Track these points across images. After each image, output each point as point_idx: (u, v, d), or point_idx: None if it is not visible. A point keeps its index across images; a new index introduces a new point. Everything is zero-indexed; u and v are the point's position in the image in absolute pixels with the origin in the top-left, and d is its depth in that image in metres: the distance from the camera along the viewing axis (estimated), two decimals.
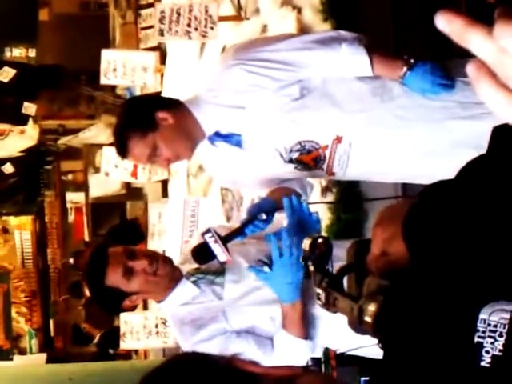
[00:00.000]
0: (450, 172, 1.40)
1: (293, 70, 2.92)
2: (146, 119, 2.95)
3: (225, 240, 2.80)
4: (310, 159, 2.99)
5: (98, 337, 10.10)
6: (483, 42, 0.75)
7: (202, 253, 2.82)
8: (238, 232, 2.88)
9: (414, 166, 2.98)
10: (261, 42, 3.14)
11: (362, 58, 2.89)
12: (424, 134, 2.92)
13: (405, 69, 2.87)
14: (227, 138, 3.01)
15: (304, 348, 2.89)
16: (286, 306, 2.85)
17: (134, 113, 3.02)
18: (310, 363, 3.19)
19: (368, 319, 1.39)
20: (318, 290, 1.65)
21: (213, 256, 2.78)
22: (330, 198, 4.83)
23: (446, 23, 0.77)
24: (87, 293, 9.98)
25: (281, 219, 3.11)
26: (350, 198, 4.63)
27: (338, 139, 2.94)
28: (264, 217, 2.87)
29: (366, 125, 2.93)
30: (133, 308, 3.33)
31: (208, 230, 2.80)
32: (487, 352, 1.12)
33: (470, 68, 0.77)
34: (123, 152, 3.01)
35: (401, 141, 2.94)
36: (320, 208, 4.48)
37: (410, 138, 2.93)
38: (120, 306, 2.98)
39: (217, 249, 2.76)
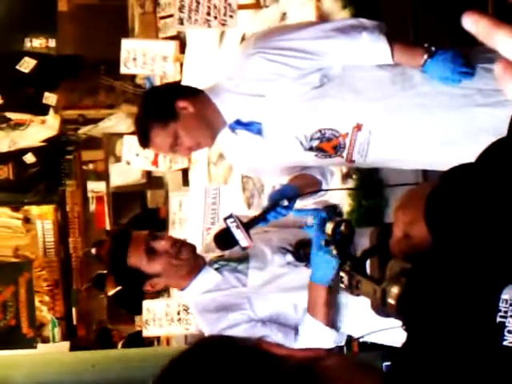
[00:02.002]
0: (470, 159, 1.41)
1: (313, 58, 2.92)
2: (167, 109, 2.96)
3: (247, 226, 2.81)
4: (330, 147, 2.99)
5: (121, 343, 10.14)
6: (510, 42, 0.77)
7: (224, 238, 2.84)
8: (260, 218, 2.89)
9: (434, 154, 2.98)
10: (281, 31, 3.14)
11: (383, 46, 2.89)
12: (444, 121, 2.92)
13: (425, 57, 2.87)
14: (248, 126, 3.02)
15: (328, 335, 2.89)
16: (314, 284, 2.85)
17: (154, 103, 3.03)
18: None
19: (391, 301, 1.40)
20: (341, 273, 1.67)
21: (235, 241, 2.79)
22: (351, 184, 4.84)
23: (473, 24, 0.78)
24: (109, 289, 10.04)
25: (303, 206, 3.13)
26: (371, 184, 4.64)
27: (358, 127, 2.94)
28: (286, 203, 2.88)
29: (386, 112, 2.93)
30: (155, 294, 3.34)
31: (230, 216, 2.81)
32: (509, 332, 1.14)
33: (497, 67, 0.79)
34: (145, 143, 3.03)
35: (421, 128, 2.94)
36: (341, 194, 4.50)
37: (431, 126, 2.93)
38: (141, 288, 2.98)
39: (238, 234, 2.78)
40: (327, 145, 2.98)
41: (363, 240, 2.72)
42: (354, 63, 2.95)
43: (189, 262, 2.97)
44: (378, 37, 2.89)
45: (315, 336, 2.88)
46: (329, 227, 2.07)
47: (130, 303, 8.90)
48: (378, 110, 2.93)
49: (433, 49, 2.87)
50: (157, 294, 6.93)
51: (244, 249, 2.86)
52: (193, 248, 3.03)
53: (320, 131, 2.96)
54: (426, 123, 2.92)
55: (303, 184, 3.07)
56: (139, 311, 6.48)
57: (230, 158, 3.42)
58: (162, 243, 2.95)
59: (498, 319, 1.15)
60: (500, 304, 1.15)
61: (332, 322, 2.90)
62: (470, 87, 2.88)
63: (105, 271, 10.12)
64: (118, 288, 9.69)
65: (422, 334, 1.23)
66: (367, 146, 2.96)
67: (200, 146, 3.03)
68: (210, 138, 3.01)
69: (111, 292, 9.96)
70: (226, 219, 2.80)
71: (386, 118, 2.93)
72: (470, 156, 1.40)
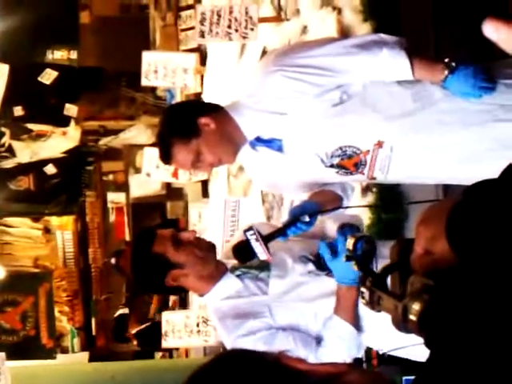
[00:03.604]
0: (492, 175, 1.41)
1: (333, 75, 2.93)
2: (189, 125, 2.98)
3: (266, 239, 2.82)
4: (351, 164, 3.00)
5: (135, 342, 10.17)
6: None
7: (243, 250, 2.85)
8: (280, 232, 2.90)
9: (455, 170, 2.98)
10: (301, 47, 3.15)
11: (403, 61, 2.89)
12: (466, 137, 2.92)
13: (446, 72, 2.87)
14: (268, 142, 3.03)
15: (353, 336, 2.89)
16: (344, 288, 2.86)
17: (176, 120, 3.04)
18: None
19: (413, 318, 1.40)
20: (362, 289, 1.67)
21: (253, 254, 2.80)
22: (371, 197, 4.83)
23: (494, 30, 0.79)
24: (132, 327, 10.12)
25: (322, 222, 3.14)
26: (391, 198, 4.63)
27: (379, 144, 2.94)
28: (307, 219, 2.89)
29: (408, 130, 2.93)
30: (177, 293, 3.31)
31: (250, 228, 2.82)
32: None
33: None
34: (167, 159, 3.04)
35: (442, 145, 2.94)
36: (360, 208, 4.49)
37: (452, 142, 2.93)
38: (163, 279, 2.95)
39: (258, 247, 2.79)
40: (348, 162, 2.99)
41: (386, 250, 2.73)
42: (375, 79, 2.95)
43: (211, 257, 2.96)
44: (398, 52, 2.89)
45: (341, 337, 2.88)
46: (349, 242, 2.07)
47: (150, 340, 8.99)
48: (399, 127, 2.93)
49: (453, 64, 2.87)
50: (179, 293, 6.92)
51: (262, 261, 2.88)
52: (214, 248, 3.02)
53: (341, 148, 2.97)
54: (447, 140, 2.92)
55: (324, 200, 3.08)
56: (159, 347, 6.54)
57: (250, 174, 3.42)
58: (187, 234, 2.97)
59: None
60: None
61: (356, 324, 2.91)
62: (490, 103, 2.88)
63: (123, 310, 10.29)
64: (141, 327, 9.82)
65: (446, 351, 1.23)
66: (388, 162, 2.96)
67: (221, 162, 3.05)
68: (231, 155, 3.02)
69: (134, 330, 10.03)
70: (245, 231, 2.81)
71: (407, 135, 2.93)
72: (493, 171, 1.40)
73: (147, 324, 9.88)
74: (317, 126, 2.96)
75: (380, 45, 2.91)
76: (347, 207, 3.19)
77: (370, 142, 2.94)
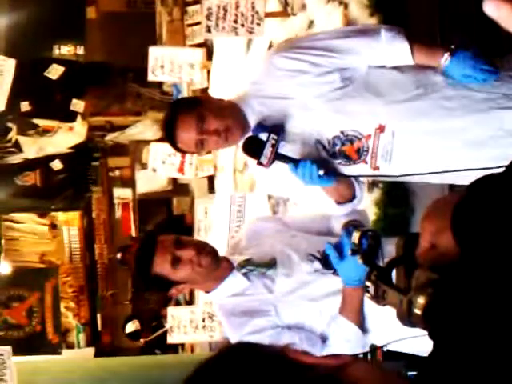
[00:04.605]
0: (495, 161, 1.40)
1: (332, 56, 2.95)
2: (192, 99, 3.12)
3: (278, 154, 2.87)
4: (353, 151, 2.98)
5: (143, 341, 10.17)
6: None
7: (253, 143, 2.90)
8: (293, 161, 2.90)
9: (458, 156, 2.95)
10: (302, 36, 3.23)
11: (402, 45, 2.92)
12: (469, 122, 2.90)
13: (446, 55, 2.87)
14: (272, 127, 3.02)
15: (358, 337, 2.89)
16: (349, 289, 2.86)
17: (181, 99, 3.12)
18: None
19: (417, 311, 1.40)
20: (367, 283, 1.66)
21: (259, 153, 2.86)
22: (377, 193, 4.82)
23: (495, 8, 0.78)
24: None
25: (329, 219, 3.14)
26: (397, 193, 4.62)
27: (381, 128, 2.93)
28: (321, 173, 2.87)
29: (410, 114, 2.92)
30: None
31: (277, 136, 2.86)
32: None
33: None
34: (172, 132, 2.95)
35: (445, 130, 2.92)
36: (366, 203, 4.49)
37: (455, 127, 2.91)
38: (167, 292, 3.00)
39: (267, 150, 2.85)
40: (350, 148, 2.97)
41: (389, 248, 2.72)
42: (375, 63, 2.97)
43: (211, 268, 2.96)
44: (397, 36, 2.93)
45: (346, 337, 2.88)
46: (355, 236, 2.06)
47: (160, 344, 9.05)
48: (401, 111, 2.92)
49: (453, 47, 2.87)
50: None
51: (259, 163, 2.87)
52: (213, 254, 2.99)
53: (342, 133, 2.95)
54: (450, 125, 2.91)
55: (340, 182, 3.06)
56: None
57: (253, 169, 3.39)
58: (187, 252, 2.93)
59: None
60: None
61: (361, 324, 2.91)
62: (493, 91, 2.88)
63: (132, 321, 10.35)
64: (154, 336, 9.88)
65: (449, 344, 1.23)
66: (391, 149, 2.94)
67: (229, 131, 2.93)
68: (238, 124, 2.95)
69: (149, 338, 10.06)
70: (272, 132, 2.86)
71: (409, 120, 2.92)
72: (495, 158, 1.39)
73: (161, 331, 9.86)
74: (318, 110, 2.95)
75: (378, 30, 2.96)
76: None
77: (371, 125, 2.93)
